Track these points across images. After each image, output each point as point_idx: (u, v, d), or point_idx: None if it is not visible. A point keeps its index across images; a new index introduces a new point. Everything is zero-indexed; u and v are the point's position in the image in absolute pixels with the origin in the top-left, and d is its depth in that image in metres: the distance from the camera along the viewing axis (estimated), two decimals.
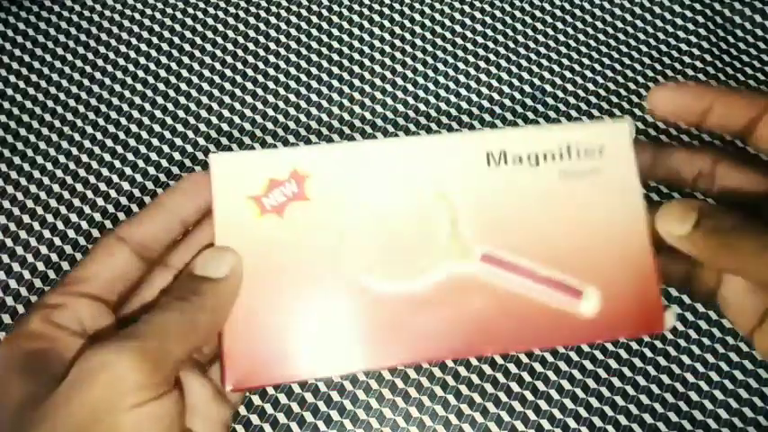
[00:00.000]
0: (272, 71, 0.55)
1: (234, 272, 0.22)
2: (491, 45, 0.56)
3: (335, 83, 0.54)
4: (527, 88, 0.54)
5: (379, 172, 0.24)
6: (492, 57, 0.55)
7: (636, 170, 0.25)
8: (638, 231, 0.24)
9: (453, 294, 0.24)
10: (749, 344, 0.35)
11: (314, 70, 0.55)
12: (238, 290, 0.23)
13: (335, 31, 0.56)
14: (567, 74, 0.55)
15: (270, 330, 0.23)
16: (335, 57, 0.55)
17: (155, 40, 0.56)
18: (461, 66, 0.55)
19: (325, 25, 0.57)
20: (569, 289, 0.24)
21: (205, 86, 0.54)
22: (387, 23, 0.57)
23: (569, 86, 0.54)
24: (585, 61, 0.55)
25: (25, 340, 0.21)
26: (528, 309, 0.24)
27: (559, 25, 0.57)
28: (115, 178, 0.50)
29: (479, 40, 0.56)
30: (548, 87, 0.54)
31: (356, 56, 0.55)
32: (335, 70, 0.55)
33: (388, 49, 0.56)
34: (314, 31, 0.56)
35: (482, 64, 0.55)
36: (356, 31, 0.56)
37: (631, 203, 0.25)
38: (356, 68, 0.55)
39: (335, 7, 0.57)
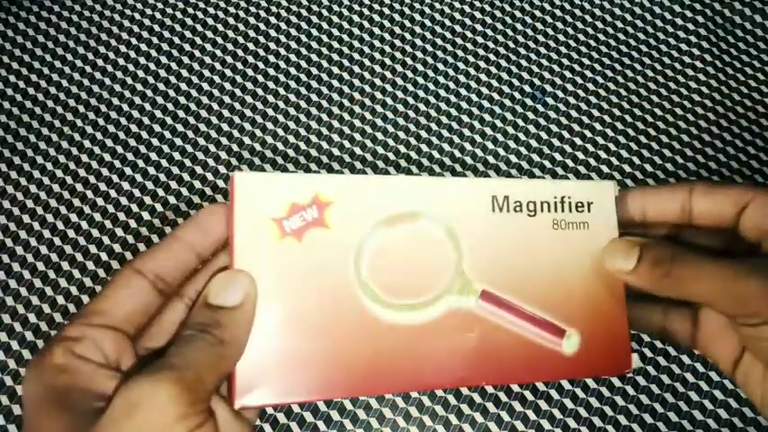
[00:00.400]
0: (272, 71, 0.55)
1: (248, 297, 0.23)
2: (491, 45, 0.56)
3: (335, 83, 0.54)
4: (527, 88, 0.54)
5: (396, 206, 0.25)
6: (492, 57, 0.55)
7: (616, 228, 0.27)
8: (614, 282, 0.27)
9: (452, 328, 0.25)
10: (732, 382, 0.36)
11: (314, 70, 0.55)
12: (254, 312, 0.23)
13: (335, 31, 0.56)
14: (567, 74, 0.55)
15: (279, 351, 0.23)
16: (335, 57, 0.55)
17: (155, 40, 0.56)
18: (461, 66, 0.55)
19: (324, 25, 0.57)
20: (555, 328, 0.26)
21: (205, 86, 0.54)
22: (387, 23, 0.57)
23: (569, 86, 0.54)
24: (585, 61, 0.55)
25: (51, 374, 0.21)
26: (518, 344, 0.26)
27: (559, 25, 0.57)
28: (115, 178, 0.50)
29: (479, 40, 0.56)
30: (548, 87, 0.54)
31: (356, 56, 0.55)
32: (335, 70, 0.55)
33: (387, 48, 0.56)
34: (314, 31, 0.56)
35: (482, 64, 0.55)
36: (356, 31, 0.56)
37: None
38: (356, 68, 0.55)
39: (335, 7, 0.57)
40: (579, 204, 0.27)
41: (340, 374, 0.24)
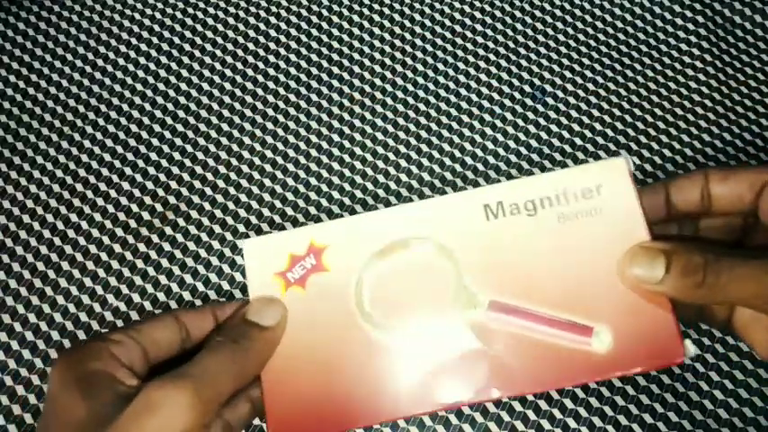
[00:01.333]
0: (272, 71, 0.55)
1: (280, 323, 0.25)
2: (491, 45, 0.56)
3: (335, 82, 0.54)
4: (527, 88, 0.54)
5: (387, 237, 0.26)
6: (492, 57, 0.55)
7: (638, 202, 0.25)
8: None
9: (467, 343, 0.25)
10: None
11: (314, 70, 0.55)
12: (280, 339, 0.25)
13: (335, 31, 0.56)
14: (567, 74, 0.55)
15: (305, 391, 0.25)
16: (335, 56, 0.55)
17: (155, 40, 0.56)
18: (461, 66, 0.55)
19: (325, 25, 0.57)
20: (579, 327, 0.24)
21: (205, 86, 0.54)
22: (387, 24, 0.57)
23: (569, 86, 0.54)
24: (585, 61, 0.55)
25: (84, 358, 0.23)
26: (541, 351, 0.25)
27: (559, 25, 0.57)
28: (115, 178, 0.50)
29: (479, 40, 0.56)
30: (548, 87, 0.54)
31: (356, 56, 0.55)
32: (335, 70, 0.55)
33: (388, 49, 0.56)
34: (314, 31, 0.56)
35: (482, 64, 0.55)
36: (356, 31, 0.56)
37: (636, 235, 0.25)
38: (356, 68, 0.55)
39: (335, 7, 0.57)
40: (586, 191, 0.25)
41: (362, 404, 0.25)
